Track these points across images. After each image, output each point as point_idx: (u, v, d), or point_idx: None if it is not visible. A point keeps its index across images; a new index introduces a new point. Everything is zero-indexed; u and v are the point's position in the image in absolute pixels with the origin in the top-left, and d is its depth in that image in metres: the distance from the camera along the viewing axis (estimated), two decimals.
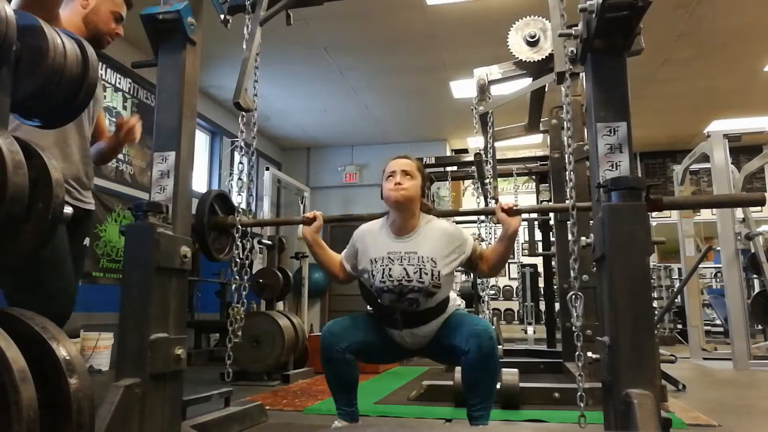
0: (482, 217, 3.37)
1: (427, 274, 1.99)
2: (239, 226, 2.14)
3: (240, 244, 2.14)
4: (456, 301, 2.16)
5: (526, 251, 7.20)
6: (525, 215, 8.26)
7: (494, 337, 1.94)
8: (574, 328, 1.65)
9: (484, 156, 3.52)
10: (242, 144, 2.21)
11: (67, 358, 1.00)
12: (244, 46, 2.22)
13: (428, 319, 2.05)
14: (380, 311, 2.11)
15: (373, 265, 2.06)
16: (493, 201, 4.31)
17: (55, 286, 1.71)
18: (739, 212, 5.22)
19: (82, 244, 1.97)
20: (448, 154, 8.78)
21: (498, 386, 2.78)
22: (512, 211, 2.01)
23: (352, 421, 2.07)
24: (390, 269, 2.02)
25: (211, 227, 2.10)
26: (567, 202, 1.97)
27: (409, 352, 2.17)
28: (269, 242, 4.66)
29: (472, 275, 6.33)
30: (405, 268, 2.01)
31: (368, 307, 2.20)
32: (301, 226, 2.27)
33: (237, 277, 2.12)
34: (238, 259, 2.13)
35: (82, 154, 1.92)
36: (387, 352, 2.16)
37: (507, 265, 9.28)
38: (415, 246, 2.04)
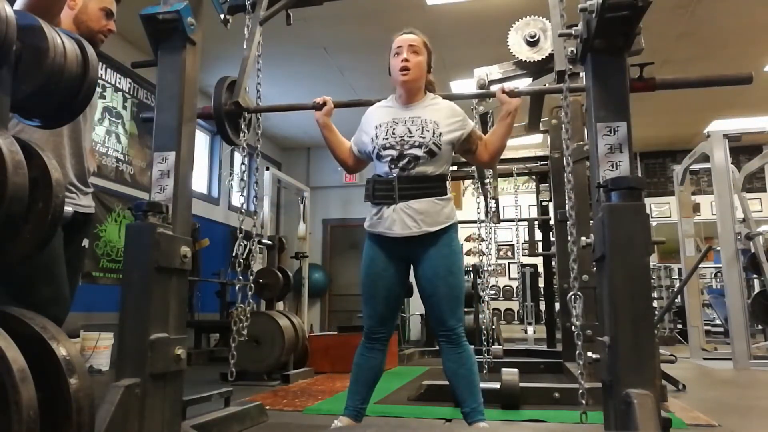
0: (482, 218, 3.37)
1: (428, 131, 2.05)
2: (247, 114, 2.23)
3: (242, 244, 2.14)
4: (455, 211, 2.13)
5: (526, 251, 7.20)
6: (525, 216, 8.24)
7: (461, 334, 2.05)
8: (574, 327, 1.65)
9: None
10: (244, 144, 2.22)
11: (67, 358, 1.00)
12: (245, 46, 2.22)
13: (423, 190, 2.03)
14: (378, 186, 2.09)
15: (378, 129, 2.12)
16: (493, 201, 4.32)
17: (47, 292, 1.68)
18: (739, 212, 5.22)
19: (80, 246, 1.96)
20: None
21: (498, 386, 2.79)
22: (512, 93, 2.08)
23: (357, 419, 2.08)
24: (394, 129, 2.09)
25: (228, 112, 2.22)
26: (567, 205, 1.98)
27: (404, 259, 2.09)
28: (269, 242, 4.66)
29: (472, 276, 6.35)
30: (408, 127, 2.08)
31: (367, 234, 2.14)
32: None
33: (241, 277, 2.12)
34: (241, 260, 2.13)
35: (76, 160, 1.90)
36: (392, 277, 2.10)
37: (507, 265, 9.29)
38: (420, 113, 2.11)
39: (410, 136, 2.05)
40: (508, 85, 2.11)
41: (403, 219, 2.02)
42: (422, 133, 2.05)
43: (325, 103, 2.25)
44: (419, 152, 2.03)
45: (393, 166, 2.05)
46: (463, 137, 2.11)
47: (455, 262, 2.06)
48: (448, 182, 2.14)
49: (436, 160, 2.05)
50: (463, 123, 2.13)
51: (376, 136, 2.11)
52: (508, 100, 2.07)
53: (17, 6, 1.44)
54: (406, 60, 2.08)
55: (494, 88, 2.21)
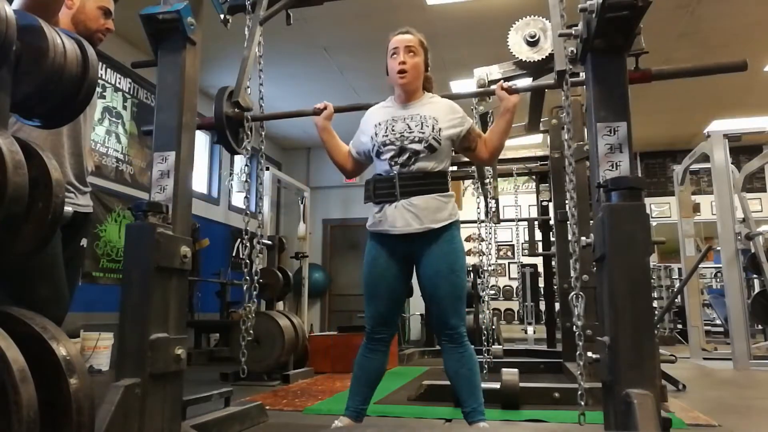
0: (482, 218, 3.37)
1: (428, 126, 2.06)
2: (249, 117, 2.24)
3: (247, 245, 2.15)
4: (457, 209, 2.13)
5: (526, 251, 7.20)
6: (525, 216, 8.24)
7: (463, 334, 2.05)
8: (575, 327, 1.65)
9: None
10: (247, 147, 2.23)
11: (67, 358, 1.00)
12: (245, 46, 2.22)
13: (424, 187, 2.03)
14: (379, 184, 2.09)
15: (377, 127, 2.13)
16: (493, 201, 4.32)
17: (46, 292, 1.67)
18: (739, 212, 5.22)
19: (79, 245, 1.95)
20: None
21: (498, 386, 2.79)
22: (511, 90, 2.08)
23: (357, 420, 2.07)
24: (393, 126, 2.10)
25: (229, 120, 2.21)
26: (567, 206, 1.97)
27: (406, 258, 2.09)
28: (269, 242, 4.66)
29: (472, 275, 6.34)
30: (408, 124, 2.09)
31: (368, 234, 2.15)
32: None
33: (248, 277, 2.14)
34: (247, 260, 2.14)
35: (75, 159, 1.90)
36: (394, 277, 2.10)
37: (507, 265, 9.29)
38: (419, 110, 2.12)
39: (410, 132, 2.06)
40: (507, 83, 2.11)
41: (405, 216, 2.02)
42: (422, 129, 2.05)
43: (325, 108, 2.26)
44: (419, 147, 2.03)
45: (393, 163, 2.05)
46: (462, 134, 2.12)
47: (457, 261, 2.05)
48: (449, 179, 2.14)
49: (437, 155, 2.05)
50: (462, 120, 2.13)
51: (376, 134, 2.11)
52: (506, 97, 2.07)
53: (15, 5, 1.44)
54: (403, 62, 2.08)
55: (494, 86, 2.20)
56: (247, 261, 2.13)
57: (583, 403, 1.62)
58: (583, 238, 1.64)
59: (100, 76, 4.26)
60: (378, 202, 2.09)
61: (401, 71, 2.08)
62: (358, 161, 2.27)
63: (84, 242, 1.99)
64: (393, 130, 2.09)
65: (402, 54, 2.09)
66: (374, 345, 2.12)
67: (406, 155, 2.04)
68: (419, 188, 2.03)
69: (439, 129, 2.06)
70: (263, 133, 2.33)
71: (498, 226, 6.20)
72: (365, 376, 2.11)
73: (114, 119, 5.48)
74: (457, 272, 2.04)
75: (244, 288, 2.16)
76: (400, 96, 2.17)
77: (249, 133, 2.24)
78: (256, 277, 2.16)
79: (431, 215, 2.01)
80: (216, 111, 2.18)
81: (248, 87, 2.26)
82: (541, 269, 6.55)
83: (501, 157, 5.06)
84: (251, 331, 2.11)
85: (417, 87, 2.16)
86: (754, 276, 6.19)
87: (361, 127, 2.23)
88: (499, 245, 8.97)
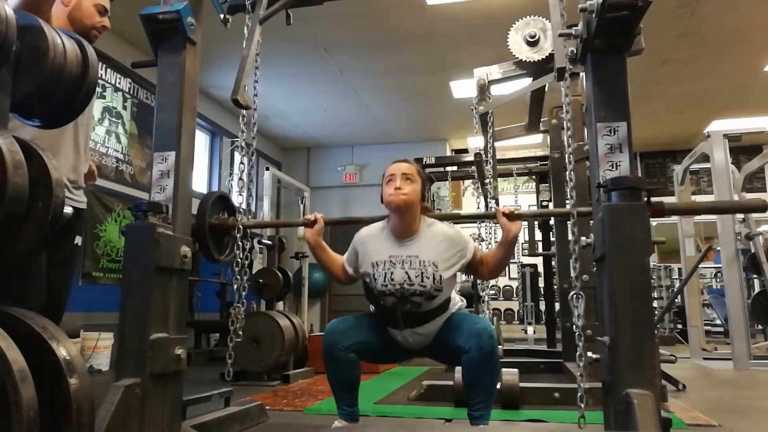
0: None
1: (428, 278, 1.99)
2: (240, 227, 2.11)
3: (240, 244, 2.14)
4: (457, 300, 2.17)
5: (526, 251, 7.19)
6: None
7: (494, 336, 1.94)
8: (575, 327, 1.65)
9: (484, 156, 3.52)
10: (242, 144, 2.21)
11: (67, 358, 1.00)
12: (244, 45, 2.22)
13: (430, 319, 2.05)
14: (382, 312, 2.12)
15: (375, 269, 2.06)
16: (493, 201, 4.32)
17: (19, 288, 1.62)
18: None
19: (73, 244, 1.93)
20: (448, 154, 8.77)
21: (498, 386, 2.79)
22: (513, 216, 2.00)
23: (352, 421, 2.08)
24: (392, 273, 2.02)
25: (212, 229, 2.08)
26: (567, 205, 1.97)
27: (411, 352, 2.17)
28: (269, 242, 4.66)
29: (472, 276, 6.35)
30: (407, 272, 2.01)
31: (371, 308, 2.20)
32: (302, 229, 2.26)
33: (238, 276, 2.12)
34: (239, 259, 2.13)
35: (73, 152, 1.89)
36: (389, 351, 2.16)
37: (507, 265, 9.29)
38: (417, 250, 2.03)
39: (410, 284, 1.99)
40: (508, 207, 2.04)
41: (408, 339, 2.09)
42: (422, 281, 1.99)
43: (316, 221, 2.19)
44: (421, 299, 2.01)
45: (395, 307, 2.05)
46: (464, 266, 2.10)
47: (461, 314, 2.09)
48: (452, 297, 2.12)
49: (439, 296, 2.04)
50: (463, 252, 2.07)
51: (374, 279, 2.05)
52: (508, 226, 1.99)
53: (10, 3, 1.44)
54: (399, 188, 2.01)
55: (493, 205, 2.15)
56: (238, 260, 2.12)
57: (583, 403, 1.62)
58: (583, 238, 1.64)
59: (100, 76, 4.26)
60: (382, 320, 2.13)
61: (397, 194, 2.01)
62: (353, 276, 2.20)
63: (79, 240, 1.96)
64: (392, 280, 2.01)
65: (399, 180, 2.03)
66: (345, 354, 2.04)
67: (408, 306, 2.03)
68: (424, 320, 2.06)
69: (440, 276, 2.00)
70: (255, 129, 2.28)
71: (498, 225, 6.19)
72: (342, 384, 2.10)
73: (114, 119, 5.48)
74: (464, 318, 2.07)
75: (234, 288, 2.15)
76: (395, 227, 2.07)
77: (237, 238, 2.11)
78: (245, 277, 2.14)
79: (438, 329, 2.07)
80: (198, 218, 2.01)
81: (247, 86, 2.25)
82: (541, 269, 6.54)
83: (501, 157, 5.08)
84: (240, 333, 2.09)
85: (414, 215, 2.06)
86: (754, 276, 6.18)
87: (358, 249, 2.16)
88: None
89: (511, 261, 9.19)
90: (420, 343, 2.10)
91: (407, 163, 2.11)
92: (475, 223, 3.40)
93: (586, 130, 3.28)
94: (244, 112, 2.19)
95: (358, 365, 2.08)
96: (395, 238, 2.08)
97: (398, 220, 2.06)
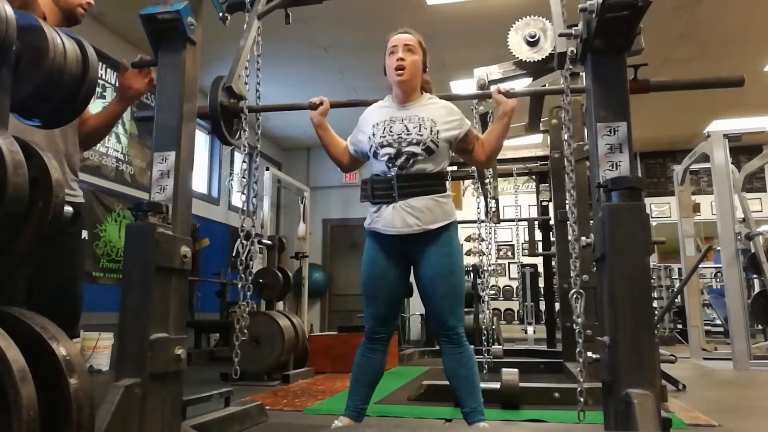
0: (482, 218, 3.37)
1: (426, 129, 2.06)
2: (246, 109, 2.19)
3: (243, 243, 2.14)
4: (454, 210, 2.13)
5: (526, 251, 7.20)
6: (525, 216, 8.23)
7: (462, 334, 2.05)
8: (575, 326, 1.65)
9: None
10: (245, 143, 2.21)
11: (67, 358, 1.00)
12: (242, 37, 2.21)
13: (423, 187, 2.04)
14: (377, 185, 2.09)
15: (375, 128, 2.13)
16: (493, 201, 4.32)
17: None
18: (739, 212, 5.22)
19: (80, 239, 1.92)
20: None
21: (498, 386, 2.79)
22: (508, 94, 2.09)
23: (357, 419, 2.08)
24: (391, 127, 2.10)
25: (224, 110, 2.15)
26: (567, 205, 1.97)
27: (406, 257, 2.09)
28: (269, 242, 4.66)
29: (472, 275, 6.35)
30: (406, 125, 2.08)
31: (366, 233, 2.15)
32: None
33: (242, 276, 2.13)
34: (242, 259, 2.13)
35: (71, 143, 1.89)
36: (393, 277, 2.10)
37: (507, 265, 9.29)
38: (417, 111, 2.12)
39: (408, 134, 2.06)
40: (505, 86, 2.12)
41: (403, 217, 2.02)
42: (420, 131, 2.05)
43: (321, 103, 2.26)
44: (417, 149, 2.03)
45: (391, 164, 2.06)
46: (460, 136, 2.12)
47: (456, 262, 2.06)
48: (447, 181, 2.14)
49: (434, 157, 2.06)
50: (460, 122, 2.13)
51: (374, 135, 2.11)
52: (504, 101, 2.08)
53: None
54: (402, 59, 2.08)
55: (491, 88, 2.20)
56: (242, 260, 2.12)
57: (583, 403, 1.62)
58: (583, 238, 1.64)
59: (100, 76, 4.26)
60: (376, 203, 2.09)
61: (399, 67, 2.08)
62: (355, 158, 2.28)
63: (85, 234, 1.95)
64: (391, 132, 2.08)
65: (401, 51, 2.09)
66: (373, 344, 2.12)
67: (404, 157, 2.04)
68: (417, 189, 2.04)
69: (437, 131, 2.06)
70: (259, 132, 2.30)
71: (498, 226, 6.20)
72: (365, 376, 2.11)
73: None
74: (456, 273, 2.05)
75: (239, 287, 2.16)
76: (398, 95, 2.16)
77: (244, 124, 2.21)
78: (250, 278, 2.15)
79: (429, 216, 2.02)
80: (210, 99, 2.12)
81: (242, 75, 2.23)
82: (541, 269, 6.55)
83: (501, 157, 5.07)
84: (245, 331, 2.10)
85: (415, 86, 2.15)
86: (754, 276, 6.19)
87: (360, 125, 2.24)
88: (499, 245, 8.97)
89: (511, 261, 9.24)
90: (412, 227, 2.01)
91: (409, 34, 2.15)
92: (475, 222, 3.40)
93: (586, 130, 3.28)
94: (245, 111, 2.19)
95: (385, 361, 2.14)
96: (397, 104, 2.17)
97: (400, 90, 2.14)
